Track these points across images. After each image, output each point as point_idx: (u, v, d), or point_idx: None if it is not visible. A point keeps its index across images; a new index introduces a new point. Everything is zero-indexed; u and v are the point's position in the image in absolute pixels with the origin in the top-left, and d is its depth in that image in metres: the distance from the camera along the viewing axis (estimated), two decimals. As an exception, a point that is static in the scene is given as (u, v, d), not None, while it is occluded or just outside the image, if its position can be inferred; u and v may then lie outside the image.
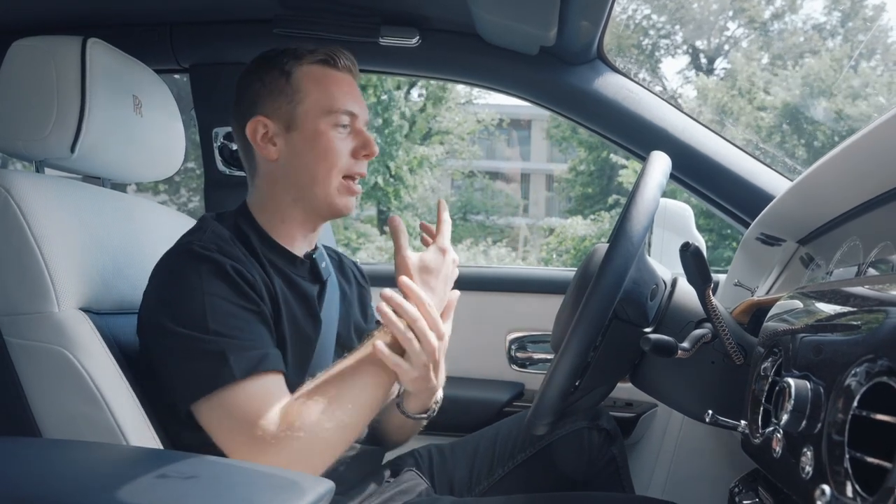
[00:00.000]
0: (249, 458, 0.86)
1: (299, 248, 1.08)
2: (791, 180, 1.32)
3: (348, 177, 1.04)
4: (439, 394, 1.07)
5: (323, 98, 1.02)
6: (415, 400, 1.05)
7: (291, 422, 0.86)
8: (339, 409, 0.89)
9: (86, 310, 0.91)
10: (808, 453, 0.58)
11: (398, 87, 12.45)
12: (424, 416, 1.08)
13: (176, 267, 0.94)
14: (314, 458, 0.87)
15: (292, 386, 0.94)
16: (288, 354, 0.98)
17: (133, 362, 0.95)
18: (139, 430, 0.89)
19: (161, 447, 0.90)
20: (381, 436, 1.16)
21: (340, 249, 1.35)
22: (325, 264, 1.11)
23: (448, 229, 1.00)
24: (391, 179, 12.58)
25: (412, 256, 0.96)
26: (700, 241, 1.45)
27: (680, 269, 0.92)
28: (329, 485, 0.71)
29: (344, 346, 1.11)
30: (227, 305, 0.91)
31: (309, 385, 0.92)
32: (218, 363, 0.87)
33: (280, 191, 1.04)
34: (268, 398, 0.89)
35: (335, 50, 1.06)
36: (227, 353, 0.87)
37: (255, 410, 0.87)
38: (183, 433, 0.99)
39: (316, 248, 1.11)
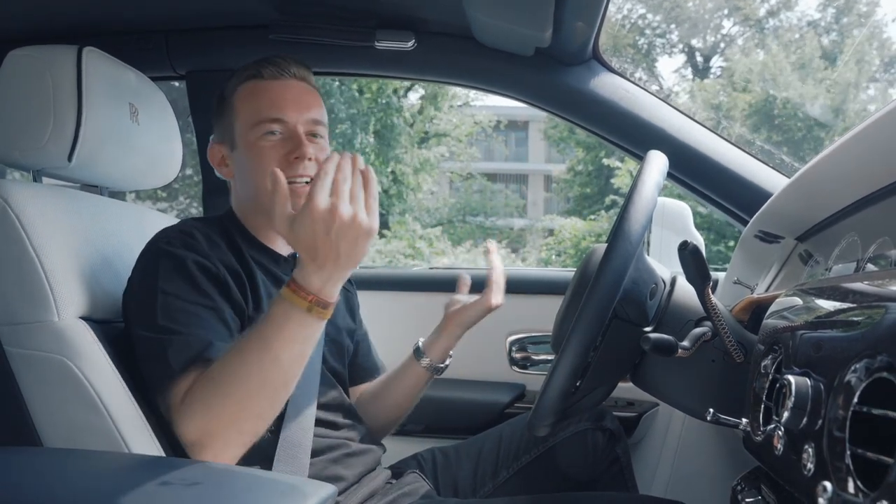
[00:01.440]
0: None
1: (284, 248, 1.11)
2: (788, 177, 1.32)
3: (295, 179, 1.02)
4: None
5: (250, 112, 1.06)
6: (436, 346, 1.20)
7: (192, 391, 0.86)
8: (237, 367, 0.85)
9: (86, 318, 0.91)
10: (810, 450, 0.58)
11: (395, 91, 12.47)
12: (443, 366, 1.20)
13: (140, 265, 0.98)
14: (221, 417, 0.85)
15: None
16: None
17: (133, 369, 0.95)
18: (141, 438, 0.89)
19: (163, 454, 0.90)
20: (385, 399, 1.22)
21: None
22: None
23: (319, 182, 0.82)
24: (391, 183, 12.60)
25: (287, 218, 0.84)
26: (699, 240, 1.45)
27: (679, 268, 0.92)
28: (331, 489, 0.71)
29: (334, 343, 1.14)
30: (177, 301, 0.92)
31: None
32: (161, 360, 0.89)
33: (245, 202, 1.10)
34: None
35: (265, 60, 1.08)
36: (167, 349, 0.89)
37: None
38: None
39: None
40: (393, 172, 12.50)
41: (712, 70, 14.46)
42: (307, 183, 1.03)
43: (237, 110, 1.07)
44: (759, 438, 0.74)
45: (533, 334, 1.68)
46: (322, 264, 0.83)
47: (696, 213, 1.55)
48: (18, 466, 0.75)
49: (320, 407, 1.06)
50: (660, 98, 1.46)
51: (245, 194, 1.09)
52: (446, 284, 1.51)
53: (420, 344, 1.23)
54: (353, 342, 1.24)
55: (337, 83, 11.23)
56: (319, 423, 1.04)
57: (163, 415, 0.90)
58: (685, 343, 0.89)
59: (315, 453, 1.02)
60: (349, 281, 1.28)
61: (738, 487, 0.85)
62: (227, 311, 0.96)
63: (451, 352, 1.23)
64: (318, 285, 0.85)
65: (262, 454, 0.95)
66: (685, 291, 0.99)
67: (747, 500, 0.81)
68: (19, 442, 0.88)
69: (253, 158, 1.05)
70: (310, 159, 1.05)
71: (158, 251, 0.96)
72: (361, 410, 1.20)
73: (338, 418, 1.09)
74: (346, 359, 1.19)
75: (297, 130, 1.05)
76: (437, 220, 14.14)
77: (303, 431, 1.01)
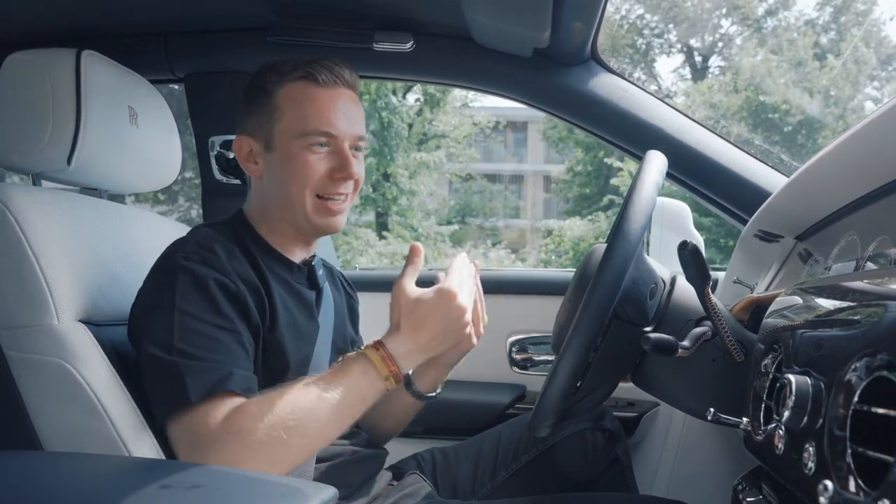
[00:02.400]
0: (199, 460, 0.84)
1: (297, 256, 1.09)
2: (787, 176, 1.32)
3: (323, 197, 1.02)
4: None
5: (298, 119, 1.00)
6: (426, 377, 1.10)
7: (233, 420, 0.84)
8: (299, 410, 0.86)
9: (85, 321, 0.91)
10: (811, 449, 0.58)
11: (394, 92, 12.47)
12: (432, 395, 1.12)
13: (155, 279, 0.94)
14: (264, 457, 0.84)
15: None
16: (289, 357, 0.98)
17: (133, 373, 0.95)
18: (140, 441, 0.89)
19: (163, 457, 0.90)
20: (375, 426, 1.18)
21: (340, 255, 1.35)
22: (322, 272, 1.11)
23: (457, 272, 0.96)
24: (390, 185, 12.59)
25: (409, 290, 0.94)
26: (698, 240, 1.45)
27: (679, 268, 0.92)
28: (332, 491, 0.71)
29: (340, 352, 1.11)
30: (196, 323, 0.89)
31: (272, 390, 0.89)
32: (177, 385, 0.85)
33: (269, 206, 1.06)
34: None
35: (319, 63, 1.03)
36: (185, 376, 0.85)
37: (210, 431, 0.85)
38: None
39: (314, 255, 1.11)
40: (387, 174, 12.49)
41: (711, 70, 14.48)
42: (341, 200, 1.04)
43: (282, 111, 1.01)
44: (759, 438, 0.74)
45: (533, 335, 1.68)
46: (419, 340, 0.91)
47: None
48: (18, 470, 0.75)
49: None
50: (658, 98, 1.46)
51: (273, 200, 1.05)
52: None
53: (410, 371, 1.11)
54: (352, 349, 1.23)
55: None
56: None
57: (168, 434, 0.88)
58: (685, 343, 0.89)
59: (320, 460, 1.01)
60: (350, 286, 1.27)
61: (740, 487, 0.85)
62: (246, 335, 0.93)
63: (441, 383, 1.14)
64: (403, 355, 0.91)
65: None
66: (685, 291, 0.99)
67: (748, 499, 0.81)
68: (19, 445, 0.88)
69: (295, 169, 1.00)
70: (353, 178, 1.03)
71: (175, 266, 0.92)
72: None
73: None
74: None
75: (343, 147, 1.02)
76: (436, 221, 14.14)
77: None
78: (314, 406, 0.87)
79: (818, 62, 12.33)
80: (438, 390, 1.14)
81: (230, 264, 0.95)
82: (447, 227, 14.26)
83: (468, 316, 0.94)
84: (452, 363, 1.11)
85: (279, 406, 0.85)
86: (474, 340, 1.02)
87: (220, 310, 0.91)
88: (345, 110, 1.03)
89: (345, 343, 1.16)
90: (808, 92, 11.90)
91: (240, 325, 0.93)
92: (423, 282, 0.97)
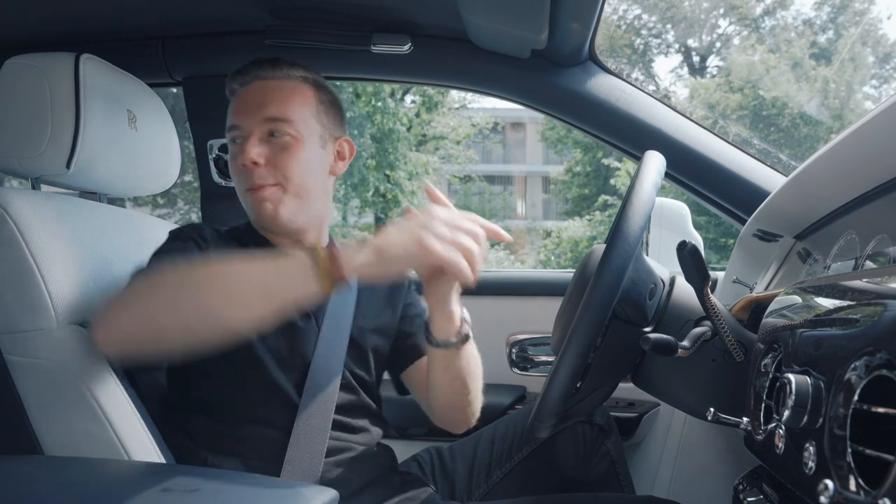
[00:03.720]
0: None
1: None
2: (786, 175, 1.32)
3: (250, 189, 1.03)
4: (465, 312, 1.01)
5: (227, 119, 1.07)
6: (439, 316, 0.97)
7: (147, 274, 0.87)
8: (215, 271, 0.82)
9: (85, 325, 0.91)
10: (811, 448, 0.58)
11: (392, 94, 12.47)
12: (454, 341, 0.98)
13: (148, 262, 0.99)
14: (158, 302, 0.80)
15: (284, 381, 1.00)
16: (256, 349, 0.99)
17: (133, 376, 0.95)
18: (141, 445, 0.89)
19: (163, 461, 0.90)
20: (432, 403, 1.11)
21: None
22: None
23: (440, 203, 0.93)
24: (390, 186, 12.60)
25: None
26: (697, 240, 1.45)
27: (678, 268, 0.92)
28: (332, 493, 0.71)
29: (360, 349, 1.10)
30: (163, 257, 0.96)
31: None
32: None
33: None
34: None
35: (236, 70, 1.07)
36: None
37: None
38: (185, 446, 0.99)
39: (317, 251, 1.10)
40: (386, 176, 12.49)
41: (709, 69, 14.49)
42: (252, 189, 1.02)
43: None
44: (760, 437, 0.74)
45: (533, 336, 1.68)
46: (377, 250, 0.81)
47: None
48: (19, 475, 0.75)
49: (336, 410, 1.04)
50: (656, 98, 1.46)
51: None
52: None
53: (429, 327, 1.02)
54: (387, 338, 1.16)
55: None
56: (332, 425, 1.03)
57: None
58: (685, 343, 0.89)
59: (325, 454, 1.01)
60: (410, 282, 1.21)
61: (740, 487, 0.85)
62: None
63: (459, 316, 1.00)
64: (355, 264, 0.81)
65: (274, 456, 0.96)
66: (684, 291, 0.99)
67: (749, 499, 0.81)
68: (19, 450, 0.88)
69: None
70: (255, 164, 1.00)
71: (168, 238, 1.01)
72: (419, 398, 1.17)
73: (351, 420, 1.07)
74: (370, 361, 1.12)
75: (249, 136, 1.02)
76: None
77: (317, 436, 0.99)
78: (232, 270, 0.81)
79: (814, 61, 12.35)
80: (467, 328, 1.01)
81: (214, 244, 1.01)
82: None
83: (441, 229, 0.83)
84: (445, 295, 0.96)
85: (197, 264, 0.83)
86: (463, 268, 0.84)
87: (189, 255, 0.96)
88: (252, 100, 1.04)
89: (363, 335, 1.11)
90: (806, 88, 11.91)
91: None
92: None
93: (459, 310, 0.99)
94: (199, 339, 0.81)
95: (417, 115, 13.30)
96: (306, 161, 1.04)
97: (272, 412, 1.00)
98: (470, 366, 1.04)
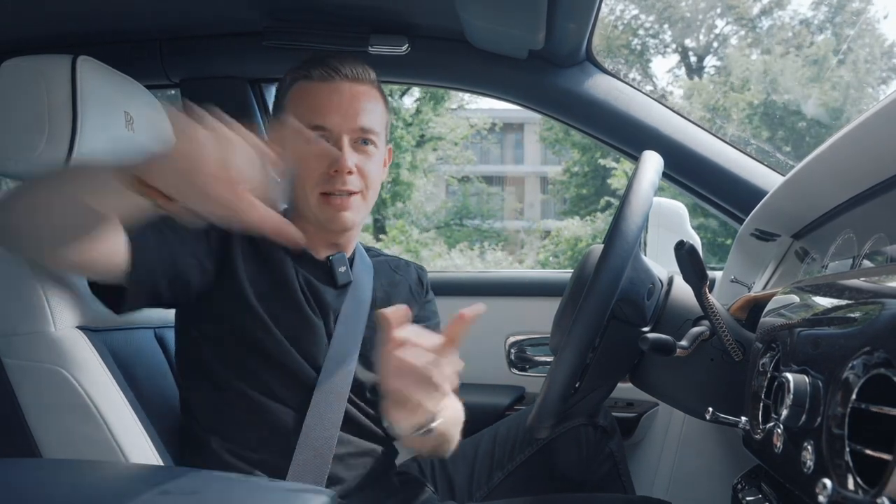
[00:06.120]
0: None
1: (322, 253, 1.09)
2: (783, 175, 1.32)
3: (326, 193, 1.02)
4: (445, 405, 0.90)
5: (297, 117, 0.99)
6: (396, 409, 0.85)
7: None
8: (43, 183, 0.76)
9: (82, 328, 0.91)
10: (809, 447, 0.58)
11: (390, 94, 12.47)
12: (421, 432, 0.87)
13: None
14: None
15: (297, 374, 1.00)
16: (278, 331, 1.00)
17: (131, 378, 0.95)
18: (138, 447, 0.89)
19: (161, 463, 0.90)
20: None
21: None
22: (345, 269, 1.09)
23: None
24: (388, 185, 12.60)
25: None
26: (695, 239, 1.45)
27: (676, 268, 0.92)
28: (330, 494, 0.71)
29: (369, 351, 1.09)
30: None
31: None
32: None
33: (291, 206, 1.08)
34: None
35: (316, 59, 1.04)
36: None
37: None
38: (183, 448, 0.98)
39: (338, 252, 1.10)
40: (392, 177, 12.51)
41: (706, 69, 14.51)
42: (349, 195, 1.02)
43: (288, 109, 1.05)
44: (758, 437, 0.74)
45: (532, 336, 1.68)
46: (189, 173, 0.70)
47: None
48: (17, 478, 0.75)
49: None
50: (654, 98, 1.46)
51: (290, 195, 1.06)
52: (444, 288, 1.52)
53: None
54: None
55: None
56: None
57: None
58: (683, 342, 0.89)
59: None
60: (421, 285, 1.21)
61: (739, 486, 0.85)
62: (190, 245, 0.94)
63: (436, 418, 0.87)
64: (162, 186, 0.73)
65: (284, 455, 0.96)
66: (682, 291, 0.99)
67: (748, 498, 0.81)
68: (17, 453, 0.88)
69: (297, 164, 0.98)
70: (350, 172, 1.01)
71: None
72: None
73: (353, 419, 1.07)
74: (377, 364, 1.12)
75: (340, 141, 1.01)
76: (433, 224, 14.15)
77: (325, 440, 0.99)
78: (58, 180, 0.76)
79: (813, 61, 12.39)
80: (437, 422, 0.88)
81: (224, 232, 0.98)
82: (445, 229, 14.27)
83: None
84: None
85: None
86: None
87: (187, 230, 0.90)
88: (341, 102, 1.03)
89: (376, 336, 1.10)
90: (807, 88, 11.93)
91: (188, 235, 0.93)
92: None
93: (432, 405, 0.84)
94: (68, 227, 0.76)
95: (417, 113, 13.29)
96: (380, 170, 1.08)
97: (281, 416, 1.00)
98: (447, 435, 1.01)
